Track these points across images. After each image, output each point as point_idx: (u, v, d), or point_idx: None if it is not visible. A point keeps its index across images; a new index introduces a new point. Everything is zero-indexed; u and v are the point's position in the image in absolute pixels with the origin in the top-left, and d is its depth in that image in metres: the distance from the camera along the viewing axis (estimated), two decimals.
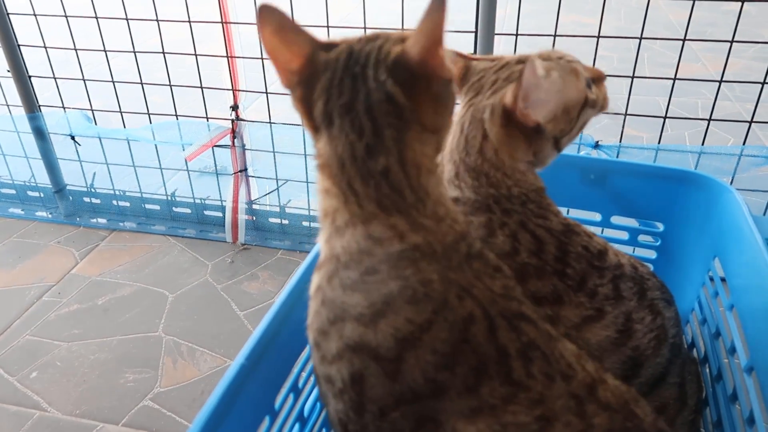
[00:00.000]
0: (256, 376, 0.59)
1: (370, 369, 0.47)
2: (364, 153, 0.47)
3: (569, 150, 1.29)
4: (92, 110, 1.53)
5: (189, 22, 1.31)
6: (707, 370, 0.79)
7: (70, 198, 1.62)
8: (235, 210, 1.47)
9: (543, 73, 0.58)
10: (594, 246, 0.66)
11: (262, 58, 1.33)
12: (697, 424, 0.72)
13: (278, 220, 1.51)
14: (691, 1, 1.09)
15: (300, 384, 0.70)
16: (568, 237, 0.65)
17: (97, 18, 1.36)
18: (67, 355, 1.15)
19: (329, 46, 0.50)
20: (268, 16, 0.48)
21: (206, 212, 1.55)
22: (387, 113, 0.46)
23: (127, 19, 1.34)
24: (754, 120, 1.16)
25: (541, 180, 0.69)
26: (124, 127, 1.50)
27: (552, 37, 1.16)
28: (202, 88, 1.39)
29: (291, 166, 1.48)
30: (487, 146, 0.64)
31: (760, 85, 1.12)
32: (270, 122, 1.40)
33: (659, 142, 1.22)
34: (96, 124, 1.55)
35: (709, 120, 1.18)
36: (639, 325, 0.65)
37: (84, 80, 1.46)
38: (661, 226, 0.92)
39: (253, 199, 1.52)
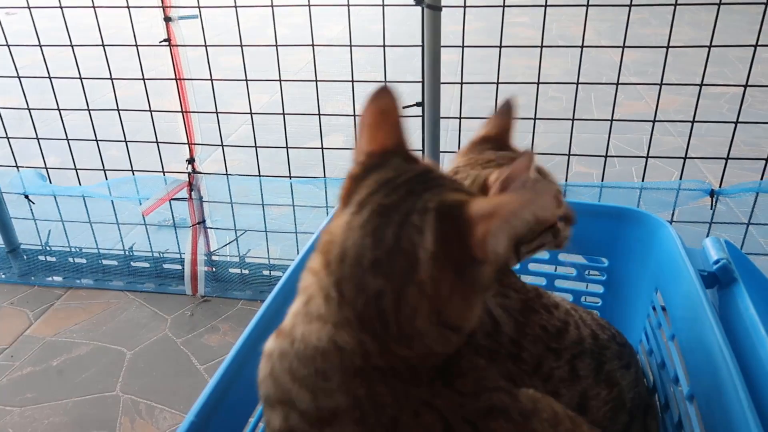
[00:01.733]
0: None
1: None
2: (369, 264, 0.43)
3: None
4: (46, 168, 1.52)
5: (143, 79, 1.33)
6: (656, 400, 0.82)
7: (25, 257, 1.59)
8: (194, 262, 1.47)
9: (535, 173, 0.61)
10: (553, 325, 0.66)
11: (216, 112, 1.35)
12: None
13: (238, 270, 1.51)
14: (632, 46, 1.16)
15: None
16: (526, 317, 0.65)
17: (50, 78, 1.37)
18: (20, 421, 1.12)
19: (407, 158, 0.48)
20: (382, 96, 0.47)
21: (165, 265, 1.54)
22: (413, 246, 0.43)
23: (80, 78, 1.35)
24: (688, 156, 1.22)
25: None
26: (80, 184, 1.50)
27: (495, 84, 1.21)
28: (157, 143, 1.40)
29: (249, 216, 1.49)
30: None
31: (691, 123, 1.19)
32: (227, 174, 1.41)
33: (603, 179, 1.28)
34: (50, 182, 1.54)
35: (647, 157, 1.24)
36: (594, 401, 0.65)
37: (38, 139, 1.46)
38: (606, 261, 0.96)
39: (212, 250, 1.52)
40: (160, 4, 1.24)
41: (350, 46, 1.23)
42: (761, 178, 1.21)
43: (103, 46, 1.31)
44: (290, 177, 1.38)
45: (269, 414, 0.48)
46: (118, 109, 1.37)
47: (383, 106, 0.48)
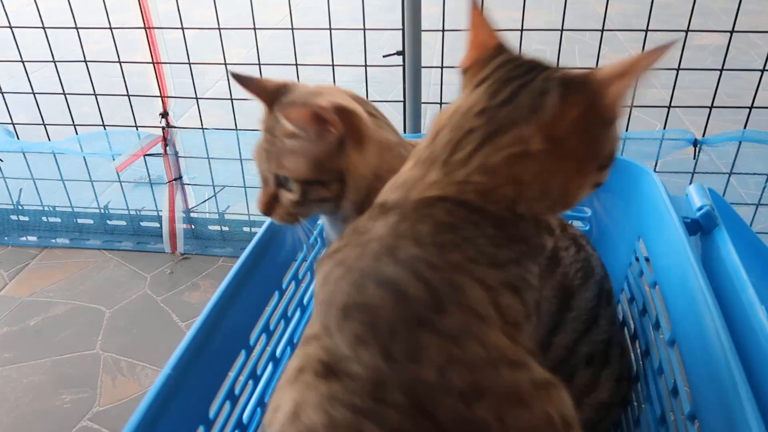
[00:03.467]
0: (187, 384, 0.57)
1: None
2: (477, 111, 0.47)
3: None
4: (13, 124, 1.46)
5: (110, 28, 1.27)
6: (637, 347, 0.82)
7: None
8: (172, 219, 1.44)
9: None
10: None
11: (189, 63, 1.30)
12: (623, 390, 0.76)
13: (218, 227, 1.49)
14: None
15: (237, 390, 0.69)
16: None
17: (11, 27, 1.30)
18: None
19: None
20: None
21: (143, 223, 1.51)
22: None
23: (44, 28, 1.29)
24: (672, 105, 1.21)
25: None
26: (49, 140, 1.45)
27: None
28: (128, 96, 1.35)
29: (228, 171, 1.45)
30: None
31: (676, 71, 1.18)
32: (202, 128, 1.37)
33: None
34: (18, 138, 1.49)
35: (630, 107, 1.22)
36: (564, 253, 0.71)
37: (2, 93, 1.40)
38: (588, 211, 0.95)
39: (190, 207, 1.49)
40: None
41: None
42: (744, 128, 1.21)
43: None
44: None
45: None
46: (85, 60, 1.32)
47: (477, 7, 0.53)
